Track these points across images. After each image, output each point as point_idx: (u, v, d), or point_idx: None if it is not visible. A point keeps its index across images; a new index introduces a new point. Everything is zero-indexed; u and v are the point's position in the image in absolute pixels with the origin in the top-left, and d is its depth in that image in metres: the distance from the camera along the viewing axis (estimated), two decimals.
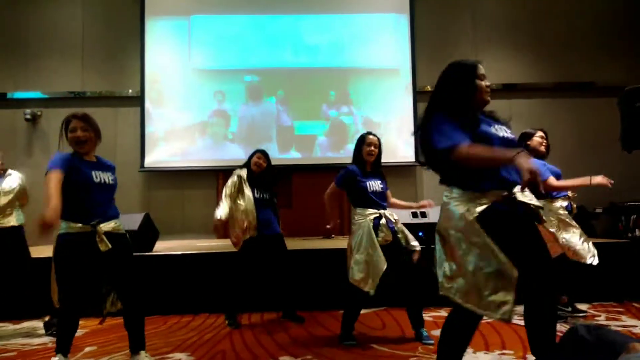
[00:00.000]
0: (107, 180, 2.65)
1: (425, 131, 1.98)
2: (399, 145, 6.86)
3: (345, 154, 6.66)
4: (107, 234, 2.57)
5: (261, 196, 3.90)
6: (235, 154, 6.84)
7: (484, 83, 2.03)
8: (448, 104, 1.97)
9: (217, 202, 6.74)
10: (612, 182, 3.32)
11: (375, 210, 3.19)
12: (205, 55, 6.99)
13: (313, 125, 6.99)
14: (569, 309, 3.82)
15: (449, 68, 2.11)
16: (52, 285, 2.64)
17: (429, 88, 7.08)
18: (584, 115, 6.96)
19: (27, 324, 4.03)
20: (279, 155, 6.75)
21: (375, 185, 3.24)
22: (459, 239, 1.87)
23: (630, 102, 3.78)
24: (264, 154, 4.03)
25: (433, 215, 4.64)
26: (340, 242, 4.93)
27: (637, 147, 3.82)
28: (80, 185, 2.54)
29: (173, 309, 4.30)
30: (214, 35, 7.03)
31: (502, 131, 1.99)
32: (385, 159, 3.54)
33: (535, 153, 3.53)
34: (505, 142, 1.93)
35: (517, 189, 1.88)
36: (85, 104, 6.96)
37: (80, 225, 2.53)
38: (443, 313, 4.05)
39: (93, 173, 2.60)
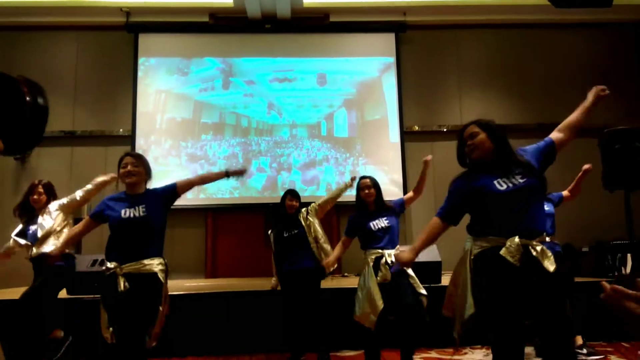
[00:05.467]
0: (135, 215, 2.64)
1: None
2: (386, 183, 6.93)
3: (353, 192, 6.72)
4: (130, 274, 2.56)
5: (290, 234, 3.99)
6: (226, 192, 6.87)
7: (466, 147, 2.20)
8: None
9: (205, 242, 6.79)
10: None
11: (377, 250, 3.26)
12: (196, 95, 7.11)
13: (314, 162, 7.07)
14: (584, 351, 3.78)
15: None
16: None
17: (416, 128, 7.24)
18: (567, 156, 7.07)
19: None
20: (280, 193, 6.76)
21: (380, 222, 3.32)
22: (460, 269, 2.29)
23: (611, 144, 3.92)
24: (294, 195, 4.11)
25: (422, 254, 4.65)
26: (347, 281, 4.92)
27: (618, 187, 3.94)
28: (110, 224, 2.69)
29: (159, 351, 4.19)
30: (206, 74, 7.18)
31: (509, 182, 2.08)
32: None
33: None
34: (508, 194, 2.05)
35: (510, 242, 2.01)
36: (76, 143, 7.00)
37: (110, 265, 2.61)
38: (434, 354, 4.01)
39: (123, 211, 2.65)
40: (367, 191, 3.41)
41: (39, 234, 3.61)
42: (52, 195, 3.82)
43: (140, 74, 7.10)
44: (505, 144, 2.17)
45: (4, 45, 7.08)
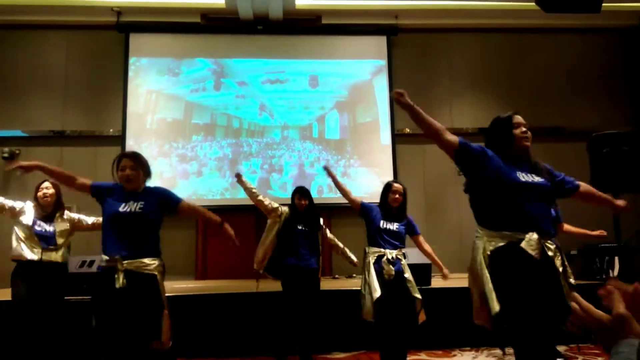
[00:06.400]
0: (132, 210, 2.57)
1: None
2: (377, 185, 6.94)
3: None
4: (129, 272, 2.49)
5: (304, 229, 4.00)
6: (217, 193, 6.85)
7: (519, 130, 2.24)
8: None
9: (196, 243, 6.76)
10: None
11: (378, 249, 3.37)
12: (187, 96, 7.09)
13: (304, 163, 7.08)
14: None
15: (491, 124, 2.36)
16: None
17: (408, 131, 7.27)
18: (555, 160, 7.11)
19: None
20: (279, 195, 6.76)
21: (390, 225, 3.42)
22: (477, 270, 2.09)
23: (598, 148, 3.96)
24: (303, 193, 4.10)
25: (412, 257, 4.67)
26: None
27: (606, 191, 3.98)
28: (106, 216, 2.62)
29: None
30: (198, 75, 7.16)
31: (531, 177, 2.15)
32: (372, 199, 3.66)
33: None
34: (528, 186, 2.11)
35: (529, 236, 2.01)
36: (65, 143, 6.94)
37: (106, 258, 2.54)
38: (424, 356, 4.03)
39: (121, 205, 2.59)
40: (397, 196, 3.47)
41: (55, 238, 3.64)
42: (60, 196, 3.81)
43: (130, 74, 7.05)
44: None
45: None
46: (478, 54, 7.55)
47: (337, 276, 6.50)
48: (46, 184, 3.75)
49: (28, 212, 3.67)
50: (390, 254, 3.34)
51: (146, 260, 2.56)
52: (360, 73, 7.35)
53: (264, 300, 4.40)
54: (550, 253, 2.02)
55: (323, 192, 6.88)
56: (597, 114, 7.33)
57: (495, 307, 1.98)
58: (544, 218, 2.09)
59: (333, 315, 4.35)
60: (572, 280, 3.84)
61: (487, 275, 2.04)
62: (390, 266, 3.28)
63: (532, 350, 1.96)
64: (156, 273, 2.59)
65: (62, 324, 3.63)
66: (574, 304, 0.96)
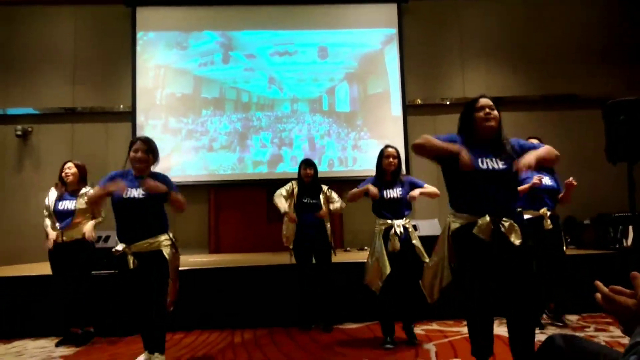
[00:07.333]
0: (135, 195, 2.83)
1: None
2: None
3: (355, 167, 6.84)
4: (138, 253, 2.82)
5: (309, 201, 4.16)
6: (228, 168, 6.86)
7: (481, 113, 2.28)
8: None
9: (209, 218, 6.83)
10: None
11: (386, 221, 3.42)
12: (195, 70, 7.04)
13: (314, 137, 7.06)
14: (551, 314, 3.92)
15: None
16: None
17: (419, 101, 7.17)
18: (569, 128, 7.06)
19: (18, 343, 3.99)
20: (289, 169, 6.80)
21: (392, 192, 3.45)
22: (441, 244, 2.42)
23: (614, 115, 3.86)
24: (308, 163, 4.23)
25: (423, 228, 4.68)
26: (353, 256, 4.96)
27: (621, 159, 3.91)
28: (113, 203, 2.87)
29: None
30: (205, 48, 7.10)
31: (492, 164, 2.23)
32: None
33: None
34: (487, 174, 2.22)
35: (481, 220, 2.20)
36: (76, 120, 6.97)
37: (119, 247, 2.86)
38: (435, 326, 4.07)
39: (126, 190, 2.82)
40: (391, 160, 3.50)
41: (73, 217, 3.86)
42: (84, 175, 3.99)
43: (138, 48, 7.01)
44: (502, 129, 2.31)
45: (2, 27, 6.99)
46: (490, 21, 7.35)
47: (348, 249, 6.55)
48: (69, 164, 3.99)
49: (51, 195, 3.92)
50: (398, 226, 3.38)
51: (151, 240, 2.86)
52: (370, 43, 7.22)
53: (277, 273, 4.45)
54: (503, 230, 2.17)
55: (334, 165, 6.87)
56: (611, 80, 7.14)
57: (448, 279, 2.31)
58: (500, 201, 2.21)
59: (345, 287, 4.39)
60: (564, 249, 3.93)
61: (446, 250, 2.33)
62: (397, 239, 3.33)
63: (477, 321, 2.29)
64: (162, 248, 2.87)
65: (80, 301, 3.82)
66: (597, 295, 0.96)
